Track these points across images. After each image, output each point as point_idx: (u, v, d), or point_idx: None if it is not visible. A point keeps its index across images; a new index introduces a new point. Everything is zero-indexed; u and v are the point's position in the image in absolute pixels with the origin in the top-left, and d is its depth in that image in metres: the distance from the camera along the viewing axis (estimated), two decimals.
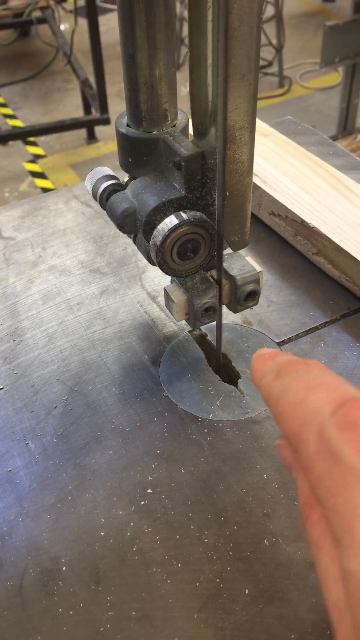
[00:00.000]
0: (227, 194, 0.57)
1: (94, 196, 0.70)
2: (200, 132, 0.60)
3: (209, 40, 0.53)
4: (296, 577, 0.55)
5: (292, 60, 4.38)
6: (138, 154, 0.65)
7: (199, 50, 0.54)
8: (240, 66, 0.50)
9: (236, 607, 0.54)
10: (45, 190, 3.55)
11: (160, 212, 0.63)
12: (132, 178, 0.68)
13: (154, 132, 0.63)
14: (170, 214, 0.62)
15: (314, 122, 3.75)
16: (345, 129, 3.16)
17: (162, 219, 0.62)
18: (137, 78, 0.61)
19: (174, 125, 0.64)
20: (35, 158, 3.83)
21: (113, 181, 0.69)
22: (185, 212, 0.62)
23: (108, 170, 0.71)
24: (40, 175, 3.69)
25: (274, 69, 4.20)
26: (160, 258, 0.63)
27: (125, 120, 0.65)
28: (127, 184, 0.69)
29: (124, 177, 0.69)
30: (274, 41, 4.10)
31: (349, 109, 3.13)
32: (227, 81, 0.50)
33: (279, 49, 4.05)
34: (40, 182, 3.62)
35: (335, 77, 4.02)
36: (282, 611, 0.54)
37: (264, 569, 0.56)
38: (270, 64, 4.25)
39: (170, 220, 0.62)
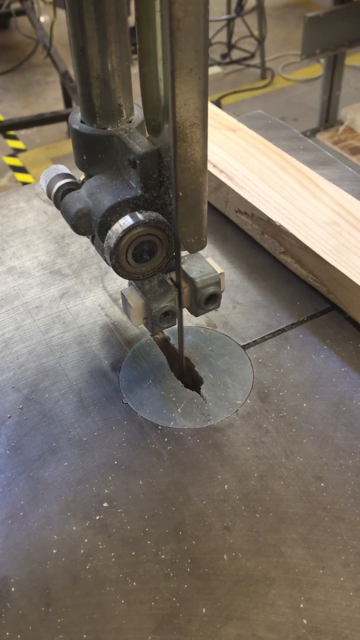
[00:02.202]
0: (180, 194, 0.54)
1: (49, 195, 0.67)
2: (154, 129, 0.57)
3: (158, 33, 0.50)
4: (255, 595, 0.53)
5: (275, 52, 4.34)
6: (92, 151, 0.62)
7: (148, 43, 0.51)
8: (188, 59, 0.47)
9: (192, 628, 0.51)
10: (26, 184, 3.50)
11: (116, 212, 0.60)
12: (88, 176, 0.65)
13: (109, 129, 0.61)
14: (125, 214, 0.59)
15: (296, 114, 3.72)
16: (327, 121, 3.13)
17: (117, 219, 0.60)
18: (88, 72, 0.58)
19: (130, 121, 0.61)
20: (16, 152, 3.77)
21: (68, 180, 0.66)
22: (140, 213, 0.59)
23: (64, 169, 0.68)
24: (21, 170, 3.63)
25: (256, 60, 4.16)
26: (115, 260, 0.60)
27: (79, 116, 0.62)
28: (83, 182, 0.66)
29: (81, 176, 0.66)
30: (256, 32, 4.06)
31: (331, 100, 3.10)
32: (174, 75, 0.47)
33: (260, 41, 4.00)
34: (21, 177, 3.57)
35: (318, 68, 3.99)
36: (241, 631, 0.51)
37: (222, 586, 0.54)
38: (252, 55, 4.21)
39: (125, 221, 0.59)
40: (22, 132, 3.95)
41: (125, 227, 0.58)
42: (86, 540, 0.57)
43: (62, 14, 3.64)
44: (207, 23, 0.46)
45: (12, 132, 3.92)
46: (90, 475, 0.61)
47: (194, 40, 0.46)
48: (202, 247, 0.60)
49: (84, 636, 0.51)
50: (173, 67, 0.47)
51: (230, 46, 4.21)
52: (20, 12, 4.32)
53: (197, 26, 0.45)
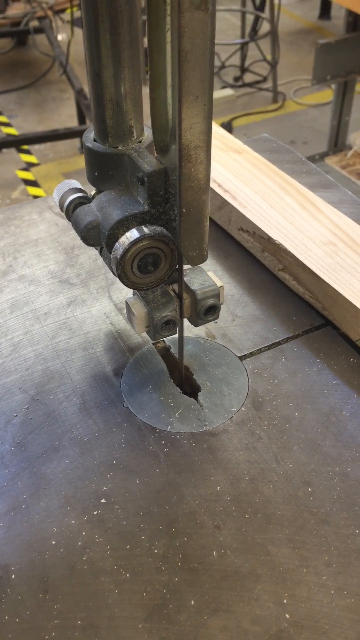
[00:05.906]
0: (184, 210, 0.58)
1: (61, 208, 0.71)
2: (161, 149, 0.61)
3: (168, 61, 0.55)
4: (242, 589, 0.56)
5: (287, 76, 4.42)
6: (104, 168, 0.66)
7: (159, 70, 0.55)
8: (194, 87, 0.51)
9: (181, 618, 0.55)
10: (38, 198, 3.55)
11: (123, 225, 0.64)
12: (98, 191, 0.69)
13: (120, 148, 0.65)
14: (132, 228, 0.63)
15: (306, 138, 3.78)
16: (336, 146, 3.19)
17: (124, 232, 0.64)
18: (102, 95, 0.62)
19: (140, 141, 0.66)
20: (29, 166, 3.84)
21: (80, 194, 0.70)
22: (146, 227, 0.63)
23: (76, 183, 0.72)
24: (33, 184, 3.69)
25: (268, 84, 4.23)
26: (121, 271, 0.64)
27: (92, 135, 0.67)
28: (93, 197, 0.70)
29: (92, 191, 0.70)
30: (269, 57, 4.14)
31: (340, 126, 3.15)
32: (181, 102, 0.51)
33: (273, 65, 4.08)
34: (33, 190, 3.63)
35: (329, 93, 4.06)
36: (226, 622, 0.54)
37: (210, 580, 0.57)
38: (264, 79, 4.29)
39: (131, 234, 0.63)
40: (35, 147, 4.02)
41: (131, 240, 0.62)
42: (84, 534, 0.60)
43: (79, 32, 3.73)
44: (213, 55, 0.50)
45: (26, 147, 3.99)
46: (90, 473, 0.65)
47: (200, 70, 0.50)
48: (203, 260, 0.64)
49: (79, 622, 0.54)
50: (180, 93, 0.51)
51: (244, 69, 4.29)
52: (38, 30, 4.41)
53: (203, 58, 0.50)
